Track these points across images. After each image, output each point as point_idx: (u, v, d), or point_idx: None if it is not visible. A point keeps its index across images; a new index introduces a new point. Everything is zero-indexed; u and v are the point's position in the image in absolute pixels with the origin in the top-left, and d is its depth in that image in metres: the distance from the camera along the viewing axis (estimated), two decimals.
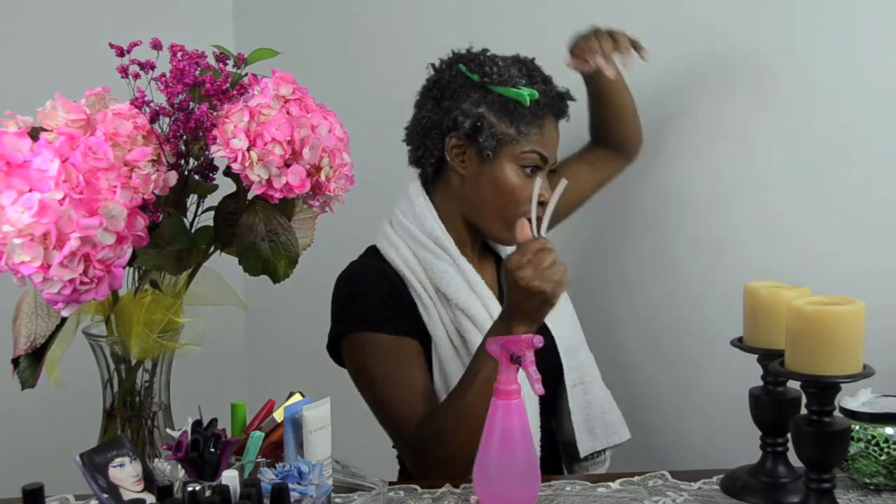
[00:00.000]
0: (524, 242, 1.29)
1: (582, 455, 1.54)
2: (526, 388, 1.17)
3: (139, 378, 1.16)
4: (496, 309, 1.45)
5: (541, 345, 1.14)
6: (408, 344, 1.44)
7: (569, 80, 1.56)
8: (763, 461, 1.30)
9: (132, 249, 1.01)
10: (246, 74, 1.14)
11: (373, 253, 1.53)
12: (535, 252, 1.27)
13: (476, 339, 1.43)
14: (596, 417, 1.55)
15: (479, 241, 1.56)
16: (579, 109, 1.60)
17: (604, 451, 1.56)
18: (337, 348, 1.50)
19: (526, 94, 1.44)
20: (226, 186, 1.13)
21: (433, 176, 1.53)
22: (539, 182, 1.35)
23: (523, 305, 1.28)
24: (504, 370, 1.16)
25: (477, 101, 1.45)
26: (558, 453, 1.58)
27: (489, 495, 1.18)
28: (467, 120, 1.45)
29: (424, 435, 1.37)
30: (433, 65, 1.51)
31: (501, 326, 1.31)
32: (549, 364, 1.50)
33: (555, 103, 1.49)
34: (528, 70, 1.48)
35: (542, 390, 1.13)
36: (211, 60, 1.12)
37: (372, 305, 1.45)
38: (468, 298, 1.46)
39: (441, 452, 1.35)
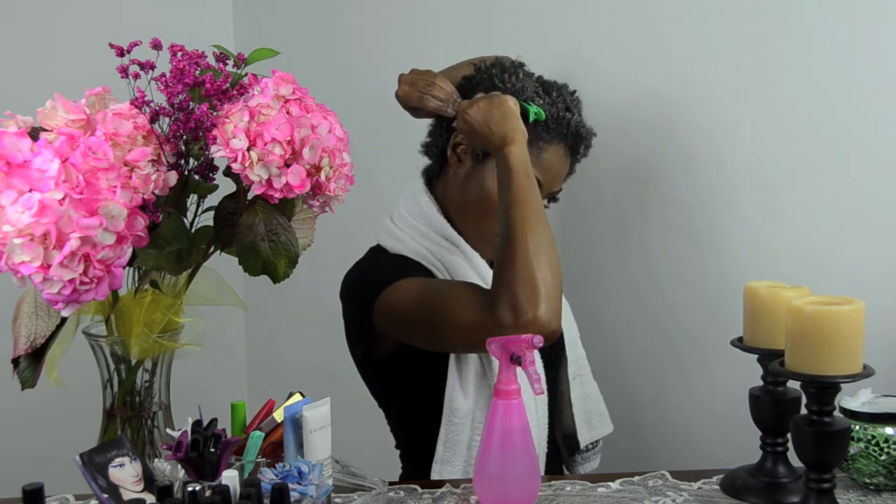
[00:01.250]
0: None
1: (582, 446, 1.56)
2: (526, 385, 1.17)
3: (139, 378, 1.16)
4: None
5: (541, 345, 1.14)
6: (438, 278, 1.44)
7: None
8: (763, 461, 1.30)
9: (132, 249, 1.01)
10: (246, 74, 1.14)
11: (378, 250, 1.53)
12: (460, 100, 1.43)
13: None
14: (592, 408, 1.59)
15: None
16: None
17: (598, 441, 1.60)
18: (370, 356, 1.48)
19: (532, 111, 1.43)
20: (226, 186, 1.13)
21: (437, 170, 1.53)
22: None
23: (489, 125, 1.36)
24: (504, 370, 1.16)
25: None
26: (558, 447, 1.58)
27: (489, 495, 1.18)
28: None
29: (505, 297, 1.29)
30: (474, 64, 1.51)
31: (501, 163, 1.36)
32: (555, 355, 1.52)
33: (566, 134, 1.47)
34: (556, 93, 1.47)
35: (542, 390, 1.13)
36: (211, 60, 1.12)
37: (391, 266, 1.46)
38: None
39: (530, 294, 1.28)
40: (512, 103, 1.38)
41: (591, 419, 1.59)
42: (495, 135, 1.37)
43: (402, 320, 1.41)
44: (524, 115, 1.43)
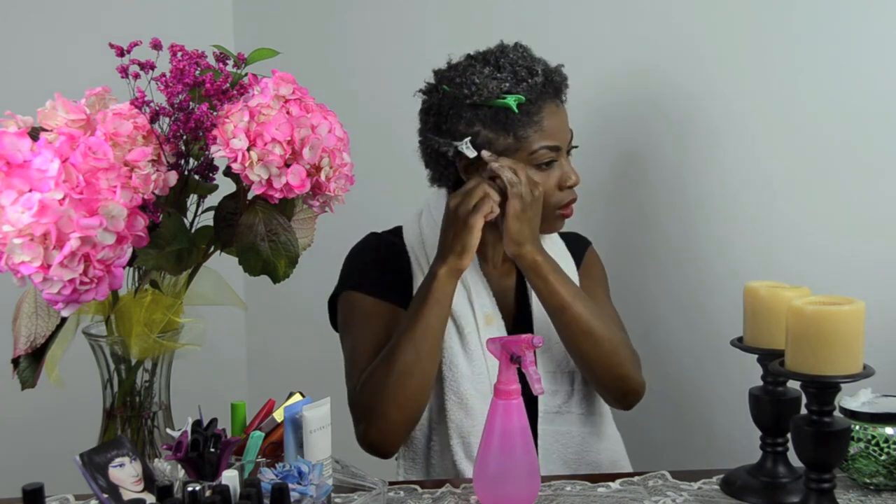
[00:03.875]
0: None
1: None
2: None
3: (139, 378, 1.16)
4: (486, 306, 1.47)
5: (541, 345, 1.14)
6: (389, 309, 1.47)
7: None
8: (763, 461, 1.30)
9: (132, 249, 1.01)
10: (246, 74, 1.14)
11: (395, 231, 1.56)
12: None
13: (456, 324, 1.46)
14: (572, 452, 1.49)
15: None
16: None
17: None
18: (334, 309, 1.55)
19: (513, 101, 1.39)
20: (226, 186, 1.13)
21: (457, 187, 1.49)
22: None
23: (448, 233, 1.38)
24: (504, 370, 1.16)
25: (470, 119, 1.41)
26: None
27: (489, 496, 1.18)
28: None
29: (361, 385, 1.40)
30: (421, 90, 1.48)
31: (429, 275, 1.39)
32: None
33: (547, 90, 1.42)
34: (510, 66, 1.41)
35: (541, 390, 1.13)
36: (211, 60, 1.12)
37: (367, 268, 1.50)
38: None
39: (368, 400, 1.39)
40: (476, 224, 1.37)
41: (570, 463, 1.48)
42: (446, 244, 1.38)
43: (340, 323, 1.52)
44: (507, 110, 1.40)
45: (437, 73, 1.48)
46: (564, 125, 1.46)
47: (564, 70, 1.47)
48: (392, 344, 1.39)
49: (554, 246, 1.55)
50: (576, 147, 1.49)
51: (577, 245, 1.60)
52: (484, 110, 1.41)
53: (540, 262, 1.40)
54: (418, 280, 1.47)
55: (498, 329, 1.47)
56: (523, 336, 1.14)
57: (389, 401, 1.37)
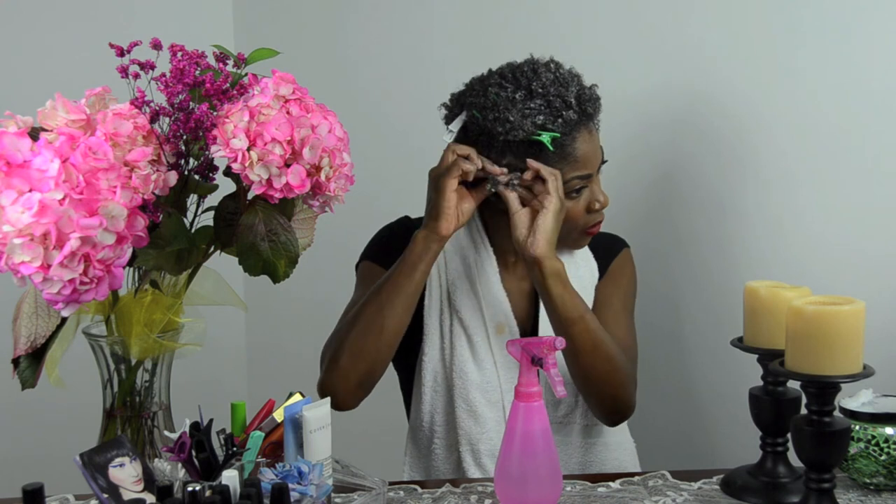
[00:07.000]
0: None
1: None
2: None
3: (139, 378, 1.16)
4: (497, 314, 1.46)
5: (563, 346, 1.14)
6: None
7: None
8: (763, 461, 1.30)
9: (132, 249, 1.01)
10: (246, 74, 1.14)
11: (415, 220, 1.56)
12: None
13: (466, 333, 1.45)
14: (575, 462, 1.49)
15: None
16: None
17: None
18: None
19: (547, 139, 1.36)
20: (226, 186, 1.13)
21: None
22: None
23: (429, 197, 1.39)
24: (525, 372, 1.16)
25: (502, 151, 1.38)
26: None
27: (510, 498, 1.17)
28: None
29: (331, 334, 1.43)
30: (445, 105, 1.45)
31: (412, 240, 1.39)
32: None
33: (580, 118, 1.39)
34: (543, 93, 1.37)
35: (564, 392, 1.13)
36: (211, 60, 1.12)
37: (384, 243, 1.51)
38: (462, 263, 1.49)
39: (329, 345, 1.41)
40: (446, 186, 1.35)
41: (573, 471, 1.48)
42: (426, 210, 1.38)
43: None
44: (541, 145, 1.37)
45: (465, 92, 1.43)
46: (596, 150, 1.42)
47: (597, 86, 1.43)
48: (367, 299, 1.40)
49: (579, 251, 1.52)
50: (606, 162, 1.45)
51: (610, 248, 1.55)
52: (515, 143, 1.37)
53: (561, 270, 1.37)
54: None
55: (510, 337, 1.45)
56: (545, 338, 1.14)
57: (345, 348, 1.37)
